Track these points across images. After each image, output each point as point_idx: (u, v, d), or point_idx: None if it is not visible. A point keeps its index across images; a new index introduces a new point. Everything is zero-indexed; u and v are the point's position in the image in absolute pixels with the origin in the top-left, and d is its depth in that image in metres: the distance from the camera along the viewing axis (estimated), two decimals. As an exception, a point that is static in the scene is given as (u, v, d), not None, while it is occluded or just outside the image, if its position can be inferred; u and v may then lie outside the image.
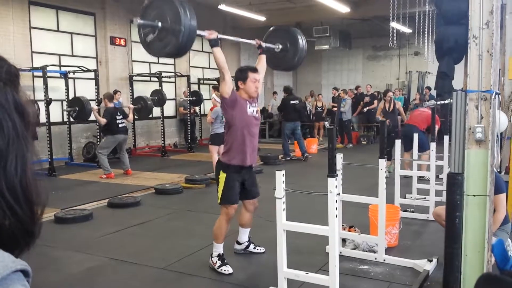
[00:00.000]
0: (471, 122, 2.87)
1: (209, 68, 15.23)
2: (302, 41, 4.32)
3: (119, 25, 11.64)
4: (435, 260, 3.94)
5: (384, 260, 4.09)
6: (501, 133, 4.33)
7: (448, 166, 5.63)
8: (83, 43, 11.01)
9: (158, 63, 12.79)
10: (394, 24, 9.58)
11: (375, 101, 13.85)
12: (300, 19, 15.25)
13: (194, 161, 10.57)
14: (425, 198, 5.94)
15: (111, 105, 8.42)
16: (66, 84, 9.76)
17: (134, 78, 12.11)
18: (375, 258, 4.14)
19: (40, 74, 8.80)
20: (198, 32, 3.35)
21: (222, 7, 12.17)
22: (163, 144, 11.63)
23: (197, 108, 13.45)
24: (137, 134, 12.17)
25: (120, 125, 8.35)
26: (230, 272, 3.88)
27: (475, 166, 2.88)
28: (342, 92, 13.87)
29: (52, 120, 9.06)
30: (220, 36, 3.75)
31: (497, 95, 2.90)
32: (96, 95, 9.68)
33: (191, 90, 12.89)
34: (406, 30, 12.68)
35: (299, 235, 3.57)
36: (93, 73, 9.77)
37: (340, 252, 4.02)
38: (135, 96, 11.41)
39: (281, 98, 11.95)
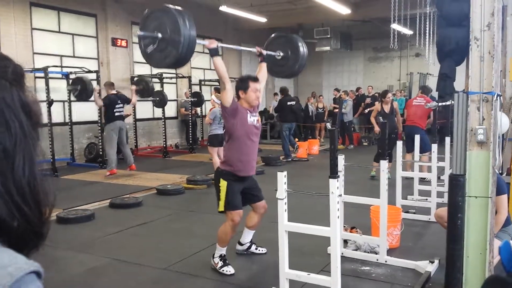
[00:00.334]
0: (473, 124, 2.88)
1: (210, 69, 15.23)
2: (303, 48, 4.31)
3: (121, 27, 11.66)
4: (436, 261, 3.95)
5: (386, 261, 4.10)
6: (503, 135, 4.33)
7: (449, 167, 5.63)
8: (84, 44, 11.04)
9: (159, 64, 12.80)
10: (395, 26, 9.58)
11: (376, 103, 13.85)
12: (301, 20, 15.27)
13: (196, 162, 10.59)
14: (426, 199, 5.94)
15: (112, 92, 8.50)
16: (68, 85, 9.78)
17: (136, 79, 12.12)
18: (377, 259, 4.14)
19: (42, 75, 8.83)
20: (198, 41, 3.37)
21: (223, 8, 12.19)
22: (164, 145, 11.64)
23: (198, 109, 13.46)
24: (139, 134, 12.18)
25: (116, 113, 8.42)
26: (232, 273, 3.89)
27: (476, 168, 2.88)
28: (343, 93, 13.88)
29: (54, 120, 9.09)
30: (220, 44, 3.77)
31: (498, 97, 2.91)
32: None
33: (192, 91, 12.91)
34: (407, 31, 12.68)
35: (301, 236, 3.57)
36: (94, 74, 9.79)
37: (342, 253, 4.02)
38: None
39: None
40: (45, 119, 8.57)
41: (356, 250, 4.36)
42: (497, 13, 2.82)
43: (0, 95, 0.60)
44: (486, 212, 2.87)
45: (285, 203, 3.25)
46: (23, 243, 0.62)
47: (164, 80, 12.05)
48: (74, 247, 4.59)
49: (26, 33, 9.64)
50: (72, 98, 10.08)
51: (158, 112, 12.43)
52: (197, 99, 12.73)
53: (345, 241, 4.47)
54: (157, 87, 11.84)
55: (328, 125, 11.74)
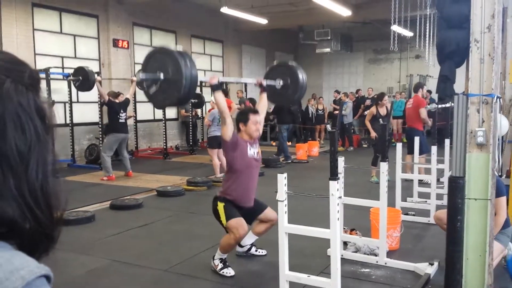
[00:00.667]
0: (473, 126, 2.88)
1: (210, 70, 15.26)
2: (302, 76, 4.34)
3: (122, 28, 11.69)
4: (436, 263, 3.95)
5: (386, 263, 4.10)
6: (502, 137, 4.33)
7: (449, 169, 5.64)
8: (86, 45, 11.06)
9: (160, 65, 12.84)
10: (395, 28, 9.60)
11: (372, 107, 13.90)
12: (301, 22, 15.30)
13: (196, 164, 10.59)
14: (426, 201, 5.94)
15: (116, 101, 8.55)
16: (69, 86, 9.78)
17: (138, 71, 12.14)
18: (377, 261, 4.14)
19: (43, 76, 8.84)
20: (200, 79, 3.41)
21: (224, 10, 12.21)
22: (165, 147, 11.65)
23: (198, 111, 13.46)
24: (139, 136, 12.19)
25: (120, 120, 8.41)
26: (232, 275, 3.90)
27: (476, 170, 2.89)
28: (343, 95, 13.89)
29: (54, 122, 9.08)
30: (221, 79, 3.85)
31: (498, 99, 2.91)
32: (98, 97, 9.70)
33: (193, 92, 12.91)
34: (407, 33, 12.70)
35: (301, 238, 3.58)
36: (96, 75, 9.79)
37: (342, 255, 4.02)
38: (137, 99, 11.44)
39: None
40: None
41: (356, 252, 4.36)
42: (497, 15, 2.83)
43: (16, 100, 0.61)
44: (486, 214, 2.88)
45: (285, 205, 3.26)
46: (34, 246, 0.63)
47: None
48: (75, 249, 4.59)
49: (28, 34, 9.66)
50: (74, 99, 10.12)
51: (158, 114, 12.43)
52: (198, 101, 12.72)
53: (345, 243, 4.47)
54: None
55: (328, 127, 11.77)
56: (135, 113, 11.43)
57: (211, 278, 3.91)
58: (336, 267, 3.10)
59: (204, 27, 14.44)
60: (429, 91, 14.35)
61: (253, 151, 4.01)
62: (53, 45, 10.28)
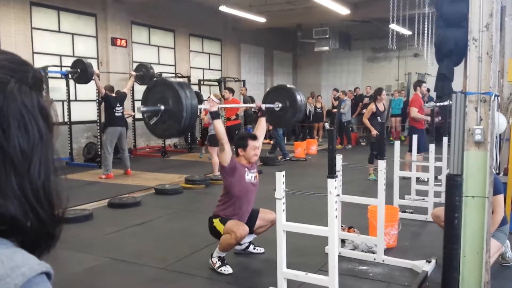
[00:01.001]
0: (470, 124, 2.89)
1: (209, 69, 15.26)
2: (301, 98, 4.37)
3: (120, 26, 11.66)
4: (433, 261, 3.96)
5: (383, 260, 4.11)
6: (500, 135, 4.35)
7: (447, 167, 5.65)
8: (84, 43, 11.04)
9: (158, 63, 12.83)
10: (393, 26, 9.60)
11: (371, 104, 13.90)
12: (300, 20, 15.28)
13: (194, 162, 10.59)
14: (424, 199, 5.96)
15: (112, 95, 8.55)
16: (67, 85, 9.78)
17: (136, 65, 12.07)
18: (374, 259, 4.16)
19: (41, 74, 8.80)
20: (200, 106, 3.45)
21: (223, 8, 12.20)
22: (163, 145, 11.65)
23: (197, 109, 13.45)
24: (137, 134, 12.18)
25: (116, 114, 8.42)
26: (229, 272, 3.90)
27: (474, 168, 2.89)
28: (341, 93, 13.90)
29: (53, 120, 9.06)
30: (220, 105, 4.02)
31: (496, 97, 2.92)
32: (96, 95, 9.69)
33: (192, 91, 12.90)
34: (406, 32, 12.68)
35: (299, 236, 3.58)
36: (94, 73, 9.77)
37: (340, 253, 4.04)
38: (135, 97, 11.44)
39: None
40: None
41: (353, 249, 4.37)
42: (496, 14, 2.83)
43: (20, 100, 0.62)
44: (483, 212, 2.89)
45: (284, 203, 3.26)
46: (35, 244, 0.64)
47: (163, 80, 12.03)
48: (73, 247, 4.59)
49: (26, 33, 9.64)
50: (72, 97, 10.09)
51: (157, 112, 12.41)
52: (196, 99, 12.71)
53: (343, 241, 4.48)
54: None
55: (326, 125, 11.79)
56: (133, 111, 11.42)
57: (209, 276, 3.91)
58: (333, 265, 3.11)
59: (202, 25, 14.42)
60: (428, 89, 14.38)
61: (251, 176, 4.06)
62: (51, 44, 10.26)
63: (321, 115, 14.60)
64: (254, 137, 4.11)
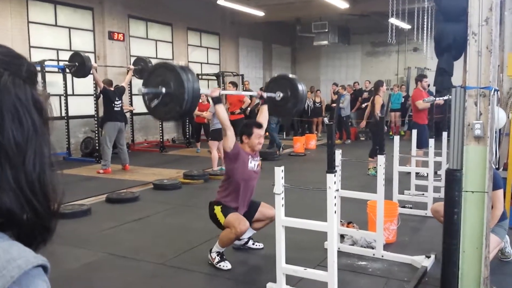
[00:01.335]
0: (470, 119, 2.87)
1: (207, 63, 15.20)
2: (302, 88, 4.33)
3: (118, 20, 11.60)
4: (433, 256, 3.96)
5: (382, 256, 4.10)
6: (500, 130, 4.33)
7: (446, 162, 5.64)
8: (81, 37, 10.97)
9: (156, 57, 12.76)
10: (393, 20, 9.58)
11: (377, 96, 13.85)
12: (299, 14, 15.21)
13: (193, 157, 10.57)
14: (423, 194, 5.95)
15: (110, 89, 8.52)
16: (64, 79, 9.73)
17: (134, 59, 11.99)
18: (373, 254, 4.15)
19: (38, 69, 8.76)
20: (202, 91, 3.41)
21: (221, 2, 12.14)
22: (161, 140, 11.62)
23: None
24: (135, 129, 12.15)
25: (115, 108, 8.38)
26: (228, 268, 3.89)
27: (473, 163, 2.88)
28: (341, 88, 13.87)
29: (50, 115, 9.03)
30: (222, 92, 3.99)
31: (496, 92, 2.90)
32: (94, 90, 9.66)
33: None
34: (405, 26, 12.64)
35: (298, 231, 3.57)
36: (91, 67, 9.72)
37: (339, 248, 4.03)
38: (133, 91, 11.38)
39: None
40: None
41: (352, 245, 4.36)
42: (495, 7, 2.80)
43: (14, 93, 0.62)
44: (483, 207, 2.87)
45: (282, 198, 3.25)
46: (31, 237, 0.64)
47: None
48: (70, 242, 4.57)
49: (23, 27, 9.57)
50: (69, 92, 10.05)
51: (155, 107, 12.37)
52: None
53: (342, 236, 4.48)
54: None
55: (326, 120, 11.76)
56: (131, 106, 11.39)
57: (207, 271, 3.91)
58: (333, 260, 3.10)
59: (200, 19, 14.35)
60: (428, 84, 14.36)
61: (254, 163, 4.05)
62: (48, 38, 10.19)
63: (320, 110, 14.57)
64: (260, 126, 4.10)
